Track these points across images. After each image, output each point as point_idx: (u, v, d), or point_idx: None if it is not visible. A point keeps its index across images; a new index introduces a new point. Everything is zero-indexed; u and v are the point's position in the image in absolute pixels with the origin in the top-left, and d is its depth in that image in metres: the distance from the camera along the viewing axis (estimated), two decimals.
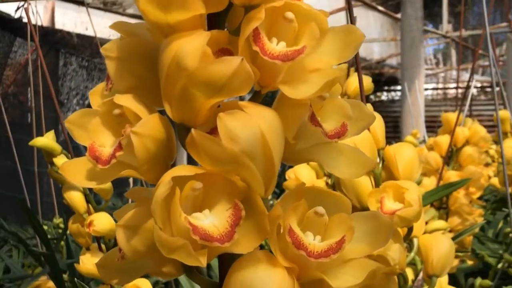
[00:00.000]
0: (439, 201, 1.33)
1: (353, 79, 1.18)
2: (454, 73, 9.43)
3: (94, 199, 0.94)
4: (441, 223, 0.92)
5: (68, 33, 4.11)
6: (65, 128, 0.42)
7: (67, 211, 1.16)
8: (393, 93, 9.96)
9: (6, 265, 1.65)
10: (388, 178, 0.69)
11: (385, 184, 0.66)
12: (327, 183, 1.19)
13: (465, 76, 8.19)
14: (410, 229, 0.72)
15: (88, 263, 0.92)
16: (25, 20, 3.19)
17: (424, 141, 2.45)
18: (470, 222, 1.31)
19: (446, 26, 7.15)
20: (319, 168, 1.20)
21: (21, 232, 2.22)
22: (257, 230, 0.35)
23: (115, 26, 0.39)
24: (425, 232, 0.81)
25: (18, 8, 3.42)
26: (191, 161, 0.37)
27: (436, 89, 10.36)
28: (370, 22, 7.12)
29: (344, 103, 0.40)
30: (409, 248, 0.76)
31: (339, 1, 5.40)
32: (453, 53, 9.29)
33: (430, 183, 1.34)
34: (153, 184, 0.36)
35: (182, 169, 0.34)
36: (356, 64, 0.80)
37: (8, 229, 2.05)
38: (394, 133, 6.71)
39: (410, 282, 0.74)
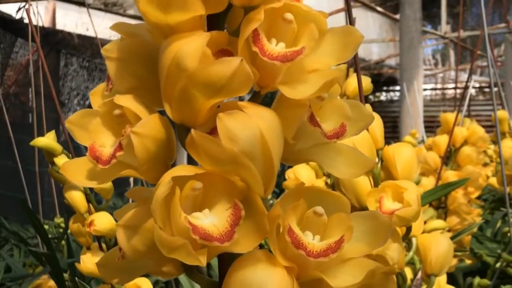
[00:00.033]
0: (438, 200, 1.33)
1: (352, 80, 1.18)
2: (453, 73, 9.42)
3: (94, 199, 0.94)
4: (439, 223, 0.92)
5: (69, 33, 4.11)
6: (66, 128, 0.42)
7: (68, 211, 1.16)
8: (392, 94, 9.95)
9: (7, 264, 1.65)
10: (387, 178, 0.69)
11: (384, 184, 0.66)
12: (326, 183, 1.19)
13: (464, 76, 8.19)
14: (409, 229, 0.72)
15: (88, 262, 0.92)
16: (26, 21, 3.20)
17: (422, 141, 2.46)
18: (469, 221, 1.31)
19: (444, 27, 7.15)
20: (319, 168, 1.20)
21: (22, 232, 2.22)
22: (256, 230, 0.35)
23: (116, 27, 0.39)
24: (423, 232, 0.81)
25: (19, 9, 3.43)
26: (191, 161, 0.37)
27: (435, 89, 10.34)
28: (369, 23, 7.11)
29: (343, 103, 0.40)
30: (408, 247, 0.76)
31: (338, 2, 5.40)
32: (452, 53, 9.28)
33: (428, 183, 1.35)
34: (153, 184, 0.36)
35: (182, 169, 0.34)
36: (355, 64, 0.80)
37: (9, 228, 2.05)
38: (393, 133, 6.71)
39: (409, 282, 0.74)
